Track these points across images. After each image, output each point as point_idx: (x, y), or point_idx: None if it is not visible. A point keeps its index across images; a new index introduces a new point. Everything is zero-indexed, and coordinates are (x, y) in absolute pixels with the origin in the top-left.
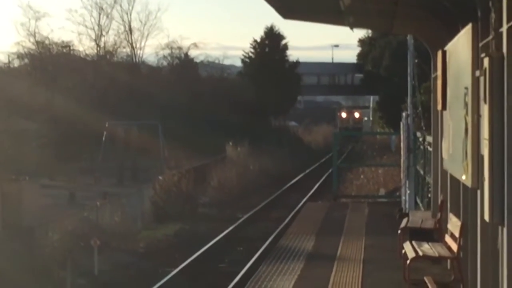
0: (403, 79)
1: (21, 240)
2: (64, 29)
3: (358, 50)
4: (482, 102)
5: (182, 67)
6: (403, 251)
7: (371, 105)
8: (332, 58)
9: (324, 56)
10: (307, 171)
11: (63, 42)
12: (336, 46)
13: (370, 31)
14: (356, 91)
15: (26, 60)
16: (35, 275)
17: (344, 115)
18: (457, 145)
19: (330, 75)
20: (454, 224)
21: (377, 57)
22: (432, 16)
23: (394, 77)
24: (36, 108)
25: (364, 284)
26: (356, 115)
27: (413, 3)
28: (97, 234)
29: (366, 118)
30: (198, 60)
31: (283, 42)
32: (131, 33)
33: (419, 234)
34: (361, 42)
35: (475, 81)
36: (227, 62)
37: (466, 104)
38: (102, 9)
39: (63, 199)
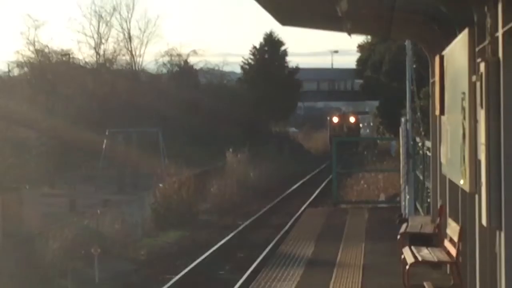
0: (402, 84)
1: (21, 249)
2: (64, 38)
3: (357, 55)
4: (478, 107)
5: (182, 74)
6: (403, 256)
7: (367, 110)
8: (332, 64)
9: (323, 62)
10: (308, 177)
11: (62, 50)
12: (336, 51)
13: (369, 36)
14: (356, 96)
15: (25, 69)
16: (36, 283)
17: (336, 120)
18: (455, 150)
19: (330, 81)
20: (453, 229)
21: (377, 63)
22: (429, 21)
23: (393, 82)
24: (36, 117)
25: None
26: (352, 119)
27: (410, 9)
28: (98, 242)
29: (365, 124)
30: (197, 67)
31: (283, 48)
32: (130, 40)
33: (418, 239)
34: (361, 47)
35: (472, 86)
36: (226, 68)
37: (463, 109)
38: (101, 17)
39: (63, 207)
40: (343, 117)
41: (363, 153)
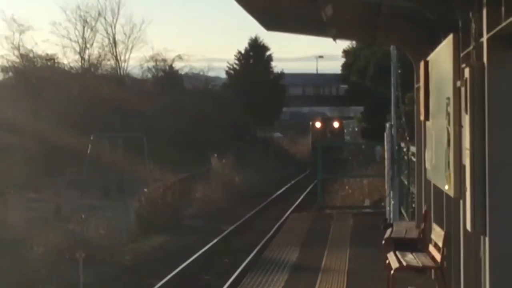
0: (387, 89)
1: (5, 254)
2: (49, 42)
3: (342, 61)
4: (463, 112)
5: (167, 80)
6: (387, 261)
7: (351, 115)
8: (317, 69)
9: (308, 67)
10: (293, 182)
11: (47, 55)
12: (321, 57)
13: (354, 42)
14: (341, 102)
15: (10, 74)
16: None
17: (318, 125)
18: (440, 155)
19: (315, 86)
20: (437, 234)
21: (362, 68)
22: (414, 27)
23: (378, 87)
24: (21, 122)
25: None
26: (335, 124)
27: (395, 14)
28: (83, 247)
29: (350, 129)
30: (182, 72)
31: (268, 53)
32: (115, 45)
33: (403, 244)
34: (346, 52)
35: (457, 91)
36: (212, 73)
37: (448, 114)
38: (86, 22)
39: (48, 212)
40: (326, 122)
41: (348, 158)
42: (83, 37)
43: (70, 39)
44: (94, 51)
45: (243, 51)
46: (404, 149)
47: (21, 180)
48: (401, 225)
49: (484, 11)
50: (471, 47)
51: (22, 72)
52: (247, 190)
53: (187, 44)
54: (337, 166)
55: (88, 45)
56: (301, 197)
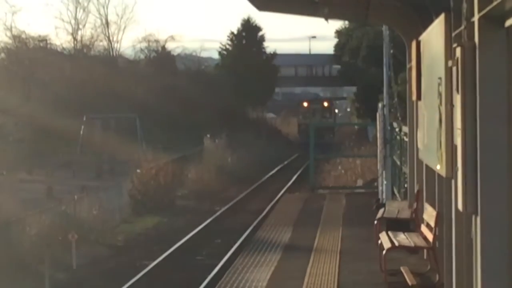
0: (380, 69)
1: None
2: (41, 23)
3: (335, 41)
4: (455, 92)
5: (160, 60)
6: (379, 241)
7: (344, 95)
8: (310, 50)
9: (301, 48)
10: (285, 162)
11: (39, 36)
12: (313, 37)
13: (346, 22)
14: (334, 82)
15: (2, 55)
16: (13, 269)
17: (306, 105)
18: (432, 135)
19: (308, 66)
20: (429, 214)
21: (355, 48)
22: (406, 6)
23: (371, 67)
24: (13, 103)
25: (340, 275)
26: (324, 104)
27: None
28: (75, 228)
29: (343, 109)
30: (175, 53)
31: (260, 33)
32: (108, 26)
33: (395, 224)
34: (338, 33)
35: (448, 71)
36: (204, 54)
37: (439, 94)
38: (78, 2)
39: (41, 193)
40: (315, 103)
41: (340, 140)
42: (75, 18)
43: (63, 20)
44: (86, 32)
45: (235, 32)
46: (397, 129)
47: (14, 162)
48: (394, 205)
49: None
50: (462, 27)
51: (15, 53)
52: (240, 170)
53: (179, 25)
54: (328, 148)
55: (80, 26)
56: (294, 178)
